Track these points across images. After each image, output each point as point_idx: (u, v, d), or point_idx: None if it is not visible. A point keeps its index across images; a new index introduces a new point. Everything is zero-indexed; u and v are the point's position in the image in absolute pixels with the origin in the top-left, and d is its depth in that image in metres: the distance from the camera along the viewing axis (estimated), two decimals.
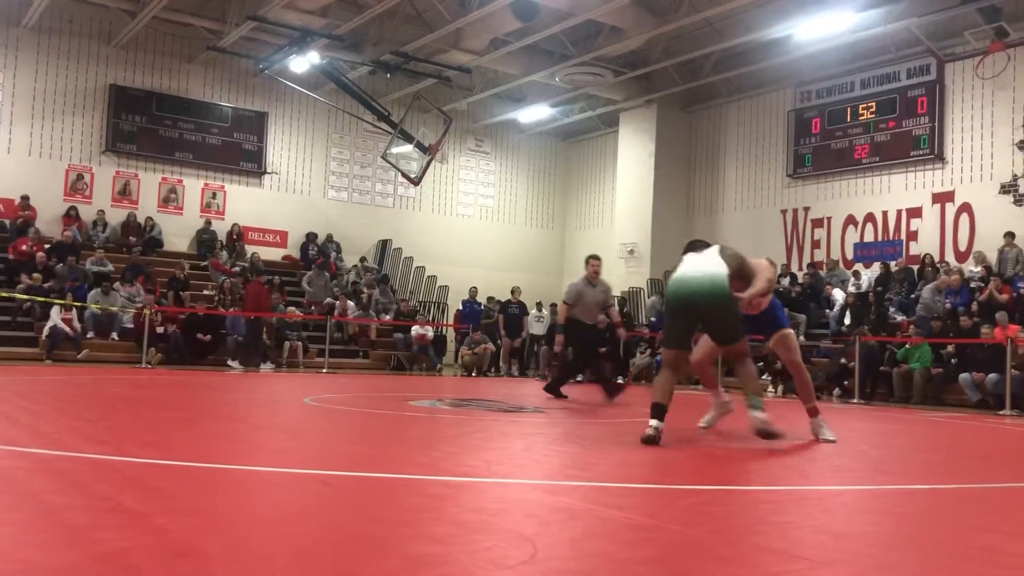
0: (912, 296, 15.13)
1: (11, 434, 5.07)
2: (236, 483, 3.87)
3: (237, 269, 18.44)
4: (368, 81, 19.44)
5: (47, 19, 17.66)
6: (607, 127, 22.52)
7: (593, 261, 10.33)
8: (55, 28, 18.02)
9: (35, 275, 15.62)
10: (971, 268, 14.93)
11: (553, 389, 10.49)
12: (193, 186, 19.53)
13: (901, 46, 16.58)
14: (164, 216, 19.09)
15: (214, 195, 19.77)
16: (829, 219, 18.07)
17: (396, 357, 17.96)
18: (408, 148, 17.73)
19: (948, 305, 14.07)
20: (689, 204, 20.95)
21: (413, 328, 18.24)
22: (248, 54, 18.40)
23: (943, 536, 3.27)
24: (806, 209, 18.55)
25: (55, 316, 14.78)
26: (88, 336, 15.29)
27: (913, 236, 16.64)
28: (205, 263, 18.71)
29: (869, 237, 17.41)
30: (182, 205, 19.42)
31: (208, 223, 19.42)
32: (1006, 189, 15.30)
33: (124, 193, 18.83)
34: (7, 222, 17.36)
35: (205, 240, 19.24)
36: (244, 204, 19.98)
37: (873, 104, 17.23)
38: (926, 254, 15.78)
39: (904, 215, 16.81)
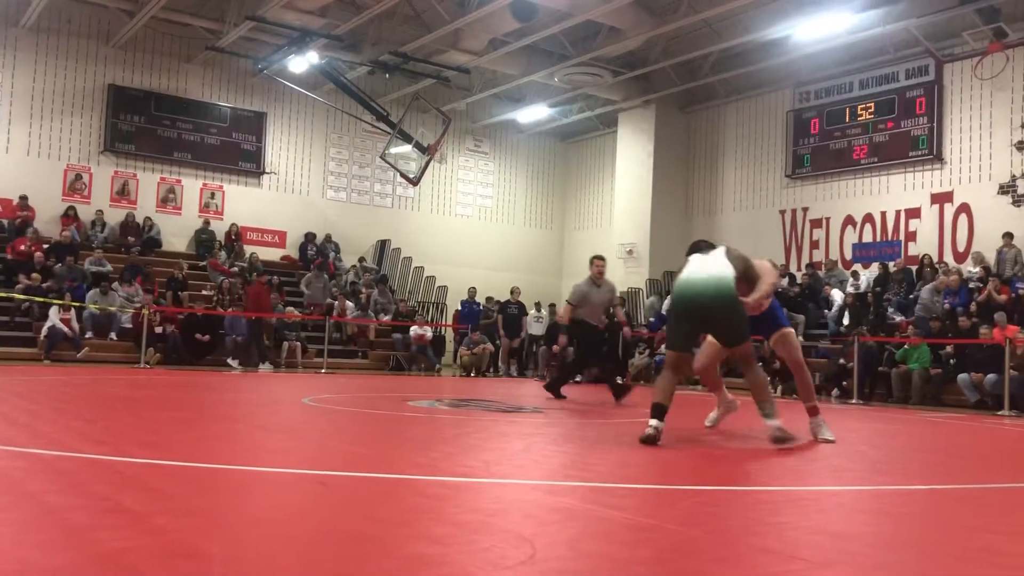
0: (911, 296, 15.14)
1: (9, 434, 5.07)
2: (235, 483, 3.87)
3: (236, 269, 18.43)
4: (367, 81, 19.44)
5: (45, 19, 17.65)
6: (606, 127, 22.53)
7: (597, 262, 10.34)
8: (53, 28, 18.01)
9: (33, 275, 15.60)
10: (970, 268, 14.94)
11: (553, 389, 10.49)
12: (192, 186, 19.52)
13: (900, 47, 16.60)
14: (163, 216, 19.08)
15: (213, 195, 19.76)
16: (828, 219, 18.08)
17: (395, 357, 17.96)
18: (407, 148, 17.73)
19: (947, 305, 14.07)
20: (688, 204, 20.96)
21: (412, 328, 18.24)
22: (247, 54, 18.39)
23: (941, 536, 3.27)
24: (805, 209, 18.56)
25: (53, 316, 14.77)
26: (86, 336, 15.27)
27: (912, 236, 16.65)
28: (204, 263, 18.70)
29: (868, 237, 17.42)
30: (180, 205, 19.42)
31: (207, 223, 19.41)
32: (1004, 190, 15.31)
33: (123, 193, 18.82)
34: (5, 222, 17.35)
35: (204, 240, 19.23)
36: (243, 204, 19.98)
37: (872, 105, 17.24)
38: (925, 254, 15.79)
39: (903, 215, 16.82)
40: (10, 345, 14.73)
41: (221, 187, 19.84)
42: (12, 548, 2.46)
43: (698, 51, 17.45)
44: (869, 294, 15.71)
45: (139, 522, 2.83)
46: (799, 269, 17.88)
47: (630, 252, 20.45)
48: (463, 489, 3.90)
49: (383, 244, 21.40)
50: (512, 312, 18.38)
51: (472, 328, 18.17)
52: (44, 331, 14.64)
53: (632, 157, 20.90)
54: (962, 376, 12.53)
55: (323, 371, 15.95)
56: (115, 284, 16.09)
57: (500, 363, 18.28)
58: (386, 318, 18.69)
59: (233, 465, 4.40)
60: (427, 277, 20.83)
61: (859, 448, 6.32)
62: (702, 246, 6.06)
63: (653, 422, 5.49)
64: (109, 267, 16.90)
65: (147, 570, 2.28)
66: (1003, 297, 13.54)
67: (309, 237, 20.34)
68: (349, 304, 18.46)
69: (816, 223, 18.32)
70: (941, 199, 16.23)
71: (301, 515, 3.17)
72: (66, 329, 14.83)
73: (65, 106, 18.17)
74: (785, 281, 16.92)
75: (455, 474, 4.27)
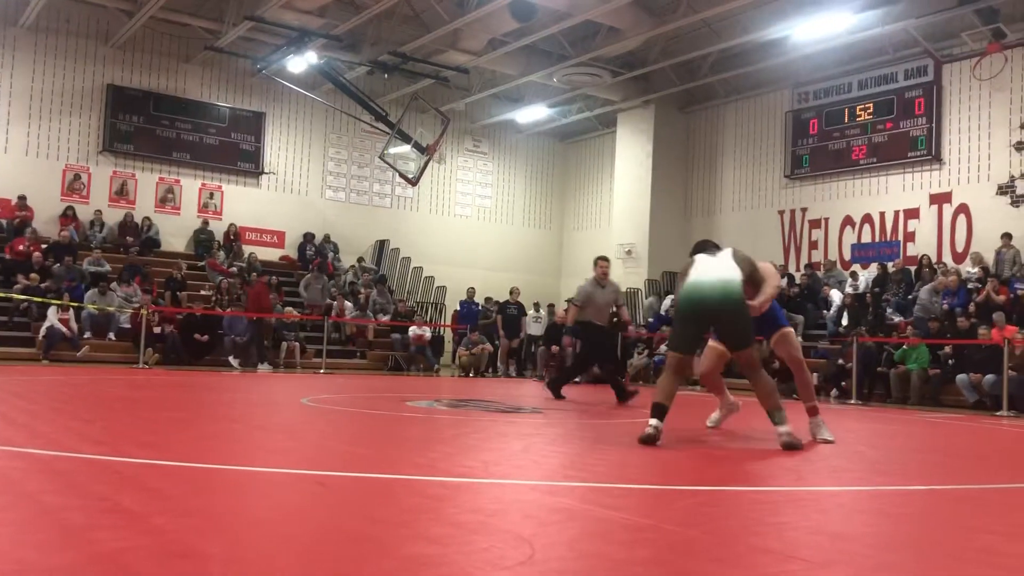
0: (909, 297, 15.14)
1: (8, 434, 5.07)
2: (233, 484, 3.87)
3: (234, 269, 18.42)
4: (366, 81, 19.45)
5: (44, 19, 17.64)
6: (605, 128, 22.53)
7: (602, 262, 10.40)
8: (52, 28, 18.00)
9: (32, 275, 15.60)
10: (968, 269, 14.94)
11: (554, 388, 10.53)
12: (190, 186, 19.52)
13: (899, 47, 16.61)
14: (161, 216, 19.07)
15: (211, 195, 19.75)
16: (827, 220, 18.09)
17: (394, 358, 17.95)
18: (406, 148, 17.73)
19: (945, 306, 14.08)
20: (687, 205, 20.96)
21: (411, 328, 18.24)
22: (246, 54, 18.38)
23: (940, 537, 3.27)
24: (804, 210, 18.57)
25: (52, 316, 14.77)
26: (85, 336, 15.27)
27: (910, 237, 16.66)
28: (202, 263, 18.69)
29: (867, 238, 17.43)
30: (179, 205, 19.41)
31: (205, 223, 19.40)
32: (1003, 190, 15.32)
33: (121, 193, 18.81)
34: (4, 222, 17.33)
35: (202, 240, 19.22)
36: (241, 204, 19.97)
37: (871, 105, 17.25)
38: (923, 255, 15.80)
39: (901, 216, 16.83)
40: (8, 345, 14.73)
41: (220, 187, 19.84)
42: (10, 548, 2.46)
43: (697, 51, 17.46)
44: (868, 294, 15.72)
45: (137, 522, 2.83)
46: (798, 269, 17.89)
47: (629, 252, 20.45)
48: (462, 489, 3.90)
49: (382, 244, 21.40)
50: (511, 312, 18.38)
51: (471, 328, 18.17)
52: (42, 331, 14.64)
53: (631, 157, 20.90)
54: (961, 376, 12.53)
55: (322, 371, 15.94)
56: (114, 284, 16.09)
57: (499, 363, 18.28)
58: (385, 318, 18.69)
59: (231, 465, 4.40)
60: (426, 277, 20.83)
61: (858, 448, 6.32)
62: (707, 246, 6.04)
63: (653, 422, 5.49)
64: (108, 267, 16.89)
65: (145, 570, 2.27)
66: (1002, 297, 13.55)
67: (308, 237, 20.33)
68: (348, 304, 18.46)
69: (815, 223, 18.33)
70: (940, 199, 16.24)
71: (300, 515, 3.17)
72: (64, 329, 14.83)
73: (64, 106, 18.16)
74: (784, 281, 16.92)
75: (454, 474, 4.26)
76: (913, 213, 16.65)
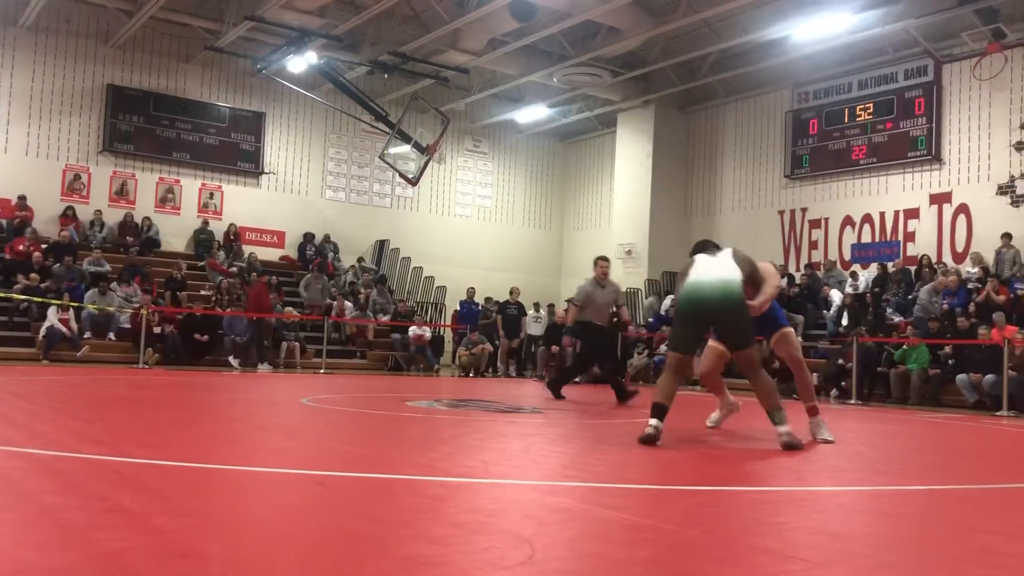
0: (909, 297, 15.14)
1: (8, 434, 5.07)
2: (233, 484, 3.87)
3: (234, 269, 18.42)
4: (366, 81, 19.45)
5: (44, 19, 17.64)
6: (605, 128, 22.53)
7: (602, 262, 10.41)
8: (52, 28, 18.00)
9: (32, 275, 15.60)
10: (968, 269, 14.95)
11: (554, 388, 10.54)
12: (190, 186, 19.52)
13: (899, 47, 16.61)
14: (161, 216, 19.07)
15: (211, 195, 19.75)
16: (826, 220, 18.09)
17: (394, 358, 17.95)
18: (406, 148, 17.73)
19: (945, 306, 14.08)
20: (687, 205, 20.96)
21: (411, 328, 18.23)
22: (245, 54, 18.39)
23: (940, 537, 3.27)
24: (803, 210, 18.57)
25: (52, 316, 14.77)
26: (85, 336, 15.27)
27: (910, 237, 16.66)
28: (202, 263, 18.69)
29: (866, 238, 17.43)
30: (179, 205, 19.41)
31: (205, 223, 19.40)
32: (1003, 190, 15.32)
33: (121, 193, 18.81)
34: (4, 222, 17.33)
35: (202, 240, 19.22)
36: (241, 204, 19.97)
37: (871, 105, 17.25)
38: (923, 255, 15.80)
39: (901, 216, 16.83)
40: (8, 345, 14.73)
41: (220, 187, 19.84)
42: (10, 548, 2.46)
43: (697, 51, 17.46)
44: (868, 294, 15.72)
45: (137, 522, 2.83)
46: (798, 269, 17.89)
47: (629, 252, 20.45)
48: (462, 489, 3.90)
49: (382, 244, 21.40)
50: (511, 312, 18.38)
51: (471, 328, 18.17)
52: (42, 331, 14.64)
53: (631, 157, 20.90)
54: (961, 376, 12.53)
55: (322, 371, 15.94)
56: (114, 284, 16.09)
57: (499, 363, 18.28)
58: (385, 318, 18.69)
59: (231, 465, 4.40)
60: (426, 277, 20.83)
61: (858, 448, 6.32)
62: (707, 246, 6.05)
63: (653, 422, 5.50)
64: (108, 267, 16.89)
65: (145, 570, 2.27)
66: (1002, 297, 13.55)
67: (308, 237, 20.33)
68: (348, 304, 18.46)
69: (815, 223, 18.33)
70: (940, 199, 16.24)
71: (300, 515, 3.17)
72: (64, 329, 14.83)
73: (64, 106, 18.16)
74: (784, 281, 16.92)
75: (454, 474, 4.26)
76: (913, 213, 16.65)
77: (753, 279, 5.94)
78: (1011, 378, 11.65)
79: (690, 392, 12.27)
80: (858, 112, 17.46)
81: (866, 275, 16.69)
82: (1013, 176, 15.19)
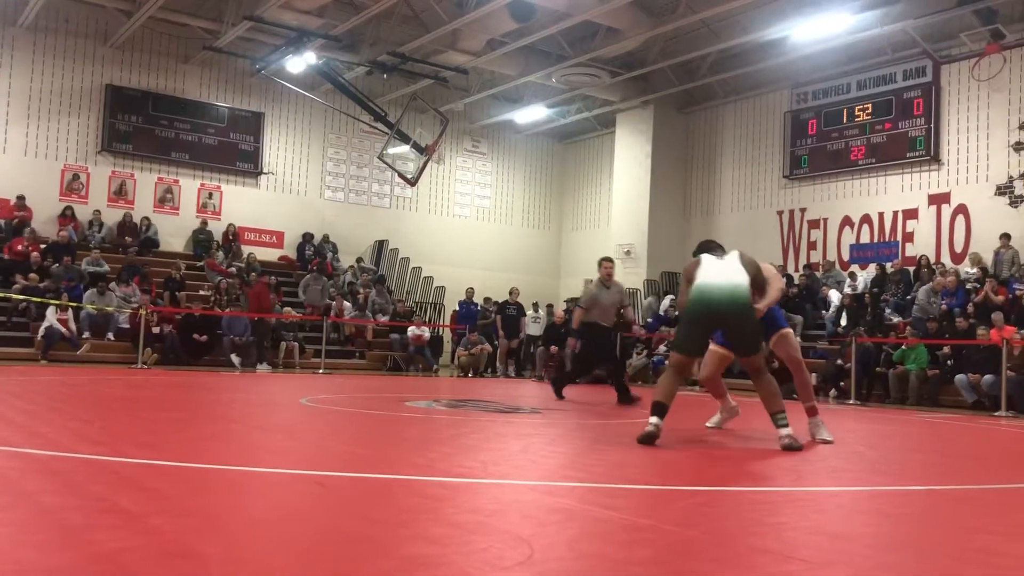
0: (908, 297, 15.15)
1: (6, 434, 5.06)
2: (232, 484, 3.87)
3: (233, 269, 18.41)
4: (365, 81, 19.45)
5: (43, 18, 17.63)
6: (604, 128, 22.54)
7: (606, 263, 10.42)
8: (51, 27, 17.99)
9: (31, 275, 15.59)
10: (967, 269, 14.95)
11: (557, 387, 10.58)
12: (189, 186, 19.51)
13: (897, 48, 16.62)
14: (160, 216, 19.06)
15: (210, 195, 19.74)
16: (825, 220, 18.10)
17: (392, 358, 17.95)
18: (405, 149, 17.73)
19: (944, 306, 14.09)
20: (686, 205, 20.97)
21: (409, 329, 18.23)
22: (244, 54, 18.37)
23: (939, 537, 3.27)
24: (802, 210, 18.57)
25: (51, 316, 14.76)
26: (84, 336, 15.27)
27: (909, 237, 16.67)
28: (201, 263, 18.68)
29: (865, 238, 17.44)
30: (178, 205, 19.40)
31: (204, 223, 19.39)
32: (1002, 191, 15.33)
33: (120, 193, 18.80)
34: (3, 222, 17.30)
35: (201, 240, 19.21)
36: (240, 204, 19.96)
37: (869, 105, 17.26)
38: (922, 255, 15.80)
39: (900, 216, 16.84)
40: (7, 345, 14.72)
41: (219, 187, 19.83)
42: (9, 548, 2.46)
43: (696, 52, 17.46)
44: (866, 295, 15.72)
45: (136, 522, 2.82)
46: (797, 270, 17.89)
47: (628, 253, 20.45)
48: (461, 490, 3.90)
49: (381, 244, 21.39)
50: (510, 313, 18.37)
51: (470, 329, 18.16)
52: (41, 331, 14.63)
53: (630, 158, 20.90)
54: (959, 377, 12.54)
55: (321, 371, 15.93)
56: (112, 284, 16.08)
57: (498, 364, 18.28)
58: (384, 318, 18.68)
59: (230, 465, 4.40)
60: (425, 277, 20.83)
61: (857, 449, 6.32)
62: (712, 247, 6.06)
63: (653, 419, 5.51)
64: (106, 267, 16.88)
65: (144, 570, 2.27)
66: (1000, 298, 13.55)
67: (307, 237, 20.33)
68: (347, 304, 18.45)
69: (814, 224, 18.33)
70: (938, 200, 16.25)
71: (298, 515, 3.17)
72: (63, 329, 14.82)
73: (62, 106, 18.15)
74: (784, 283, 16.92)
75: (453, 475, 4.26)
76: (912, 213, 16.66)
77: (757, 282, 5.95)
78: (1009, 378, 11.66)
79: (689, 392, 12.27)
80: (857, 112, 17.46)
81: (865, 275, 16.70)
82: (1011, 176, 15.21)
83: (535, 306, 19.18)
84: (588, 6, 15.11)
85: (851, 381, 13.31)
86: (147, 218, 18.80)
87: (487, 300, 19.16)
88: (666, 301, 18.34)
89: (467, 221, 23.03)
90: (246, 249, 19.43)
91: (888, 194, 17.06)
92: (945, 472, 5.50)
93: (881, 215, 17.14)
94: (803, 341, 14.88)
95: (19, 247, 16.46)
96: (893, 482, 4.73)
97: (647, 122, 20.54)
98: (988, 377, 12.07)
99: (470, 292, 19.46)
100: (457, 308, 19.53)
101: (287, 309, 17.56)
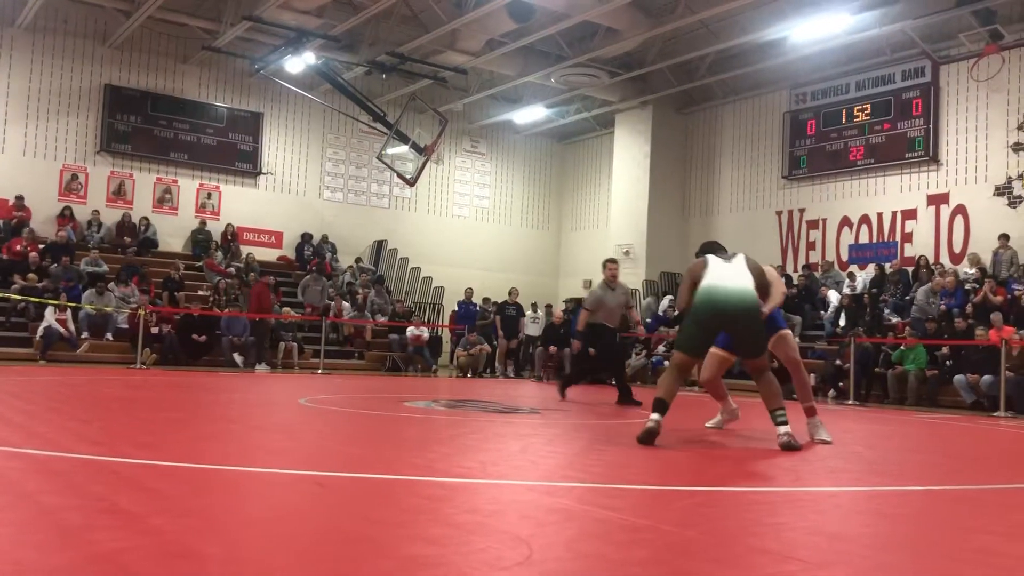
0: (907, 298, 15.16)
1: (5, 434, 5.06)
2: (231, 484, 3.87)
3: (232, 270, 18.40)
4: (364, 82, 19.45)
5: (42, 18, 17.62)
6: (603, 128, 22.54)
7: (610, 265, 10.42)
8: (50, 27, 17.98)
9: (29, 275, 15.58)
10: (966, 270, 14.97)
11: (561, 387, 10.60)
12: (188, 186, 19.50)
13: (896, 48, 16.63)
14: (159, 216, 19.05)
15: (209, 195, 19.74)
16: (824, 221, 18.11)
17: (391, 358, 17.95)
18: (404, 149, 17.74)
19: (943, 307, 14.10)
20: (684, 205, 20.98)
21: (408, 329, 18.22)
22: (243, 54, 18.37)
23: (938, 537, 3.28)
24: (801, 211, 18.58)
25: (49, 316, 14.75)
26: (82, 336, 15.26)
27: (908, 238, 16.68)
28: (200, 264, 18.67)
29: (864, 239, 17.45)
30: (177, 205, 19.39)
31: (203, 223, 19.39)
32: (1000, 191, 15.35)
33: (119, 193, 18.79)
34: (1, 222, 17.30)
35: (200, 240, 19.20)
36: (239, 204, 19.96)
37: (868, 106, 17.27)
38: (921, 256, 15.81)
39: (899, 217, 16.85)
40: (6, 345, 14.72)
41: (217, 187, 19.83)
42: (8, 548, 2.46)
43: (695, 52, 17.47)
44: (865, 295, 15.74)
45: (135, 523, 2.82)
46: (795, 270, 17.91)
47: (627, 253, 20.46)
48: (460, 490, 3.90)
49: (380, 244, 21.39)
50: (510, 313, 18.37)
51: (469, 329, 18.17)
52: (40, 331, 14.63)
53: (629, 158, 20.91)
54: (958, 377, 12.55)
55: (319, 372, 15.93)
56: (111, 284, 16.07)
57: (497, 364, 18.28)
58: (383, 319, 18.68)
59: (229, 466, 4.40)
60: (424, 278, 20.83)
61: (855, 449, 6.32)
62: (716, 248, 6.07)
63: (654, 416, 5.53)
64: (105, 267, 16.88)
65: (143, 571, 2.27)
66: (999, 298, 13.57)
67: (306, 237, 20.32)
68: (346, 305, 18.45)
69: (812, 224, 18.34)
70: (937, 200, 16.26)
71: (298, 516, 3.17)
72: (62, 329, 14.82)
73: (61, 106, 18.14)
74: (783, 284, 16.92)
75: (452, 475, 4.26)
76: (910, 214, 16.67)
77: (761, 286, 5.95)
78: (1008, 379, 11.67)
79: (689, 392, 12.27)
80: (856, 113, 17.48)
81: (864, 276, 16.71)
82: (1010, 177, 15.22)
83: (534, 306, 19.19)
84: (587, 6, 15.11)
85: (850, 381, 13.32)
86: (146, 218, 18.79)
87: (486, 300, 19.16)
88: (665, 301, 18.35)
89: (466, 221, 23.03)
90: (245, 249, 19.43)
91: (887, 194, 17.07)
92: (944, 473, 5.50)
93: (880, 215, 17.15)
94: (802, 341, 14.90)
95: (18, 247, 16.46)
96: (891, 482, 4.74)
97: (646, 122, 20.55)
98: (987, 377, 12.08)
99: (469, 292, 19.46)
100: (456, 308, 19.53)
101: (286, 309, 17.55)
